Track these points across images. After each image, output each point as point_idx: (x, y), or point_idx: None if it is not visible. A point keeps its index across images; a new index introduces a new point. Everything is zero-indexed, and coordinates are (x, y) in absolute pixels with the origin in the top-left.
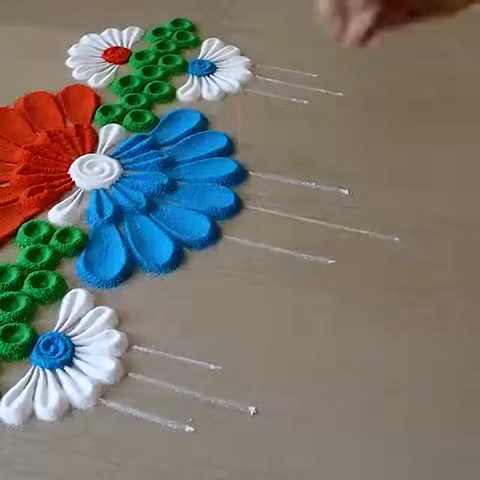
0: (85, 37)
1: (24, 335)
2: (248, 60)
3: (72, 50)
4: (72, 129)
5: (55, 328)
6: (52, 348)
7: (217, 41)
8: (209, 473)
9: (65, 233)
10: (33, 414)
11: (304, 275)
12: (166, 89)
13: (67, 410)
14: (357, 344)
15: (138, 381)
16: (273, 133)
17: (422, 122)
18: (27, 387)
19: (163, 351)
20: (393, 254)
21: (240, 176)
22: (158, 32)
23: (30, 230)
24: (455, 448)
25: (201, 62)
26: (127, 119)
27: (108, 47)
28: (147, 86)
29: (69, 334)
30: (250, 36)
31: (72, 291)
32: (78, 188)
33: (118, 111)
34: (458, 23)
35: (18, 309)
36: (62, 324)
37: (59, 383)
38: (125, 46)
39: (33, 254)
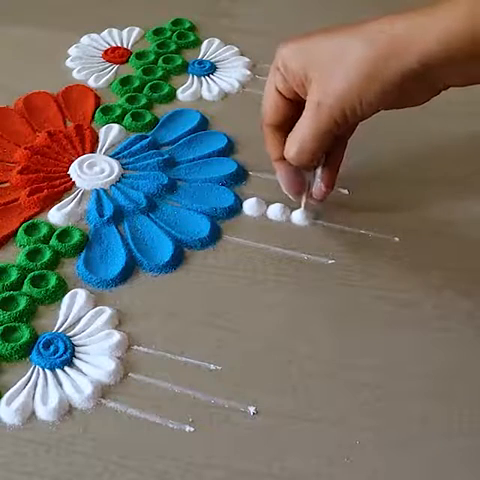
0: (85, 37)
1: (24, 335)
2: (248, 60)
3: (72, 50)
4: (72, 129)
5: (55, 328)
6: (52, 348)
7: (217, 41)
8: (209, 473)
9: (65, 233)
10: (33, 414)
11: (304, 275)
12: (166, 89)
13: (67, 410)
14: (357, 344)
15: (138, 381)
16: None
17: (423, 118)
18: (27, 387)
19: (163, 351)
20: (393, 254)
21: (240, 176)
22: (158, 32)
23: (30, 230)
24: (455, 448)
25: (201, 62)
26: (127, 119)
27: (108, 47)
28: (147, 86)
29: (69, 334)
30: (250, 36)
31: (72, 291)
32: (78, 188)
33: (118, 111)
34: None
35: (18, 309)
36: (62, 324)
37: (59, 383)
38: (125, 46)
39: (33, 254)
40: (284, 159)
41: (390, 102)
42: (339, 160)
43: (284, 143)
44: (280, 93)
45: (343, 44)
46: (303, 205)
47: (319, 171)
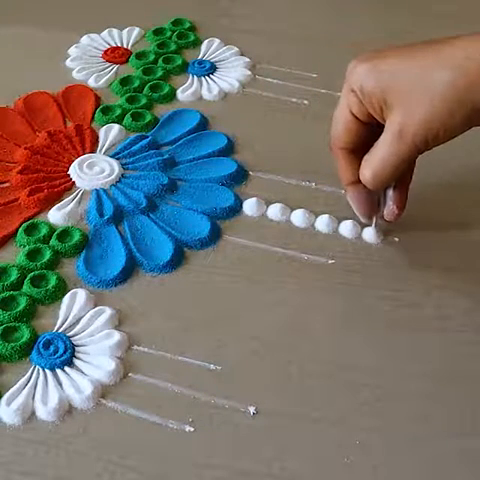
0: (85, 37)
1: (24, 335)
2: (248, 60)
3: (72, 50)
4: (72, 129)
5: (55, 328)
6: (52, 348)
7: (217, 41)
8: (209, 473)
9: (65, 233)
10: (33, 414)
11: (304, 275)
12: (166, 89)
13: (67, 410)
14: (357, 344)
15: (138, 381)
16: (273, 133)
17: None
18: (27, 387)
19: (163, 351)
20: (393, 254)
21: (240, 176)
22: (158, 32)
23: (30, 230)
24: (455, 448)
25: (201, 62)
26: (127, 119)
27: (108, 47)
28: (147, 86)
29: (69, 334)
30: (250, 36)
31: (72, 291)
32: (78, 188)
33: (118, 111)
34: None
35: (18, 309)
36: (62, 324)
37: (59, 383)
38: (125, 46)
39: (33, 254)
40: (357, 182)
41: (472, 126)
42: (409, 180)
43: (357, 166)
44: (354, 116)
45: (426, 69)
46: (374, 225)
47: (390, 192)
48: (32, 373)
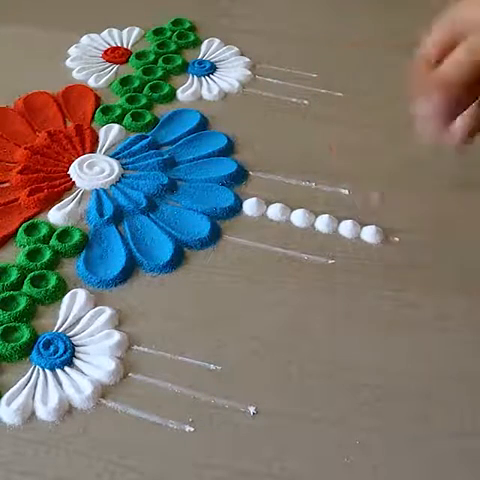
0: (85, 37)
1: (24, 335)
2: (248, 60)
3: (72, 50)
4: (72, 129)
5: (55, 328)
6: (52, 348)
7: (217, 41)
8: (209, 473)
9: (65, 233)
10: (33, 414)
11: (304, 275)
12: (166, 89)
13: (67, 410)
14: (357, 344)
15: (138, 381)
16: (273, 133)
17: None
18: (27, 387)
19: (163, 351)
20: (393, 254)
21: (240, 176)
22: (158, 32)
23: (30, 230)
24: (455, 448)
25: (201, 62)
26: (127, 119)
27: (108, 47)
28: (147, 86)
29: (69, 334)
30: (250, 36)
31: (72, 291)
32: (78, 188)
33: (118, 111)
34: None
35: (18, 309)
36: (62, 324)
37: (59, 383)
38: (125, 46)
39: (33, 254)
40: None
41: None
42: None
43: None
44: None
45: None
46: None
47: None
48: (32, 373)
